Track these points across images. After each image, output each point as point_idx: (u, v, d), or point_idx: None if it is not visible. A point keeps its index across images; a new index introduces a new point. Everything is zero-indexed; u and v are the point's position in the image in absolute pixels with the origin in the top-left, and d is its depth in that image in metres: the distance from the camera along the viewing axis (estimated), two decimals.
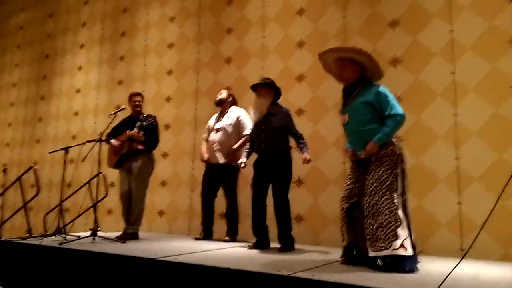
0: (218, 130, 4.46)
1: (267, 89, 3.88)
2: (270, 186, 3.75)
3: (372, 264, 2.64)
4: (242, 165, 3.82)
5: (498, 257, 3.33)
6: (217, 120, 4.55)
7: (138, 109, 4.63)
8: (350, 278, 2.30)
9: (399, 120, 2.79)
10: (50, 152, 5.36)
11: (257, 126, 3.85)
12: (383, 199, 2.64)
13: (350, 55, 2.98)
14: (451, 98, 3.79)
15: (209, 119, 4.72)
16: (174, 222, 5.46)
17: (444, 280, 2.32)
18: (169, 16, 6.08)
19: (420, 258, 2.74)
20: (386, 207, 2.63)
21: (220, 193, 4.45)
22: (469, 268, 2.79)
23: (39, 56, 7.82)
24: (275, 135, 3.72)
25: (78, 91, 7.02)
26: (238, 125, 4.42)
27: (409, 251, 2.55)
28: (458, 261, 2.29)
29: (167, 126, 5.76)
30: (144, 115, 4.57)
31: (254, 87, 3.95)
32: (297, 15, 4.86)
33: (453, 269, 2.25)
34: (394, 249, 2.53)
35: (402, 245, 2.54)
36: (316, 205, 4.34)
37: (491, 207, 3.32)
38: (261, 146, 3.78)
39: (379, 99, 2.83)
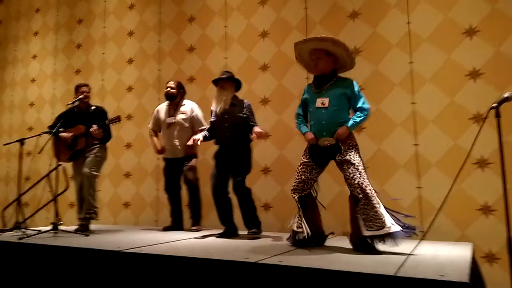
0: (171, 124, 4.42)
1: (229, 82, 3.90)
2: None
3: (356, 246, 2.84)
4: (199, 142, 3.74)
5: (456, 238, 3.53)
6: (169, 113, 4.49)
7: (87, 100, 4.48)
8: (319, 262, 2.38)
9: (367, 114, 3.04)
10: (4, 145, 5.14)
11: (219, 117, 3.85)
12: (366, 182, 2.80)
13: (327, 47, 3.05)
14: (409, 87, 3.94)
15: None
16: (141, 214, 5.38)
17: (405, 260, 2.43)
18: (127, 3, 5.90)
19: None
20: (370, 190, 2.79)
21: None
22: (429, 249, 2.93)
23: None
24: (237, 127, 3.76)
25: (33, 80, 6.71)
26: (192, 120, 4.43)
27: (397, 226, 2.74)
28: (418, 241, 2.40)
29: (129, 117, 5.64)
30: (93, 108, 4.49)
31: (216, 81, 3.94)
32: (260, 4, 4.86)
33: (413, 249, 2.36)
34: (388, 227, 2.70)
35: (391, 223, 2.74)
36: (282, 193, 4.41)
37: (448, 190, 3.52)
38: (224, 137, 3.79)
39: (353, 92, 3.05)
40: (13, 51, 7.05)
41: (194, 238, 3.71)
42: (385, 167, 3.94)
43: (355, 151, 2.95)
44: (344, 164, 2.89)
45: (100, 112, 4.47)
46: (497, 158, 3.45)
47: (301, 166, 3.09)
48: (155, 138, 4.56)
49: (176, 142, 4.37)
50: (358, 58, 4.17)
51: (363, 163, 2.94)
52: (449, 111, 3.74)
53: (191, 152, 4.33)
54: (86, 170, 4.27)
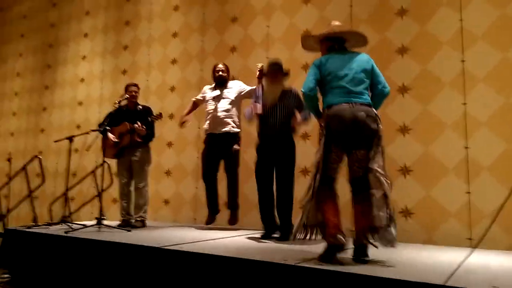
0: (218, 98, 4.39)
1: (281, 75, 3.83)
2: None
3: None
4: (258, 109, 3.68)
5: (506, 247, 3.30)
6: (216, 90, 4.48)
7: (135, 99, 4.62)
8: (359, 269, 2.28)
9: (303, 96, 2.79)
10: (55, 141, 5.36)
11: (269, 110, 3.75)
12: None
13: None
14: (460, 87, 3.74)
15: None
16: (179, 211, 5.45)
17: (455, 269, 2.29)
18: (173, 5, 6.02)
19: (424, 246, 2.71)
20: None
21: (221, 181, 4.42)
22: (479, 258, 2.76)
23: (43, 45, 7.77)
24: (286, 120, 3.67)
25: (82, 80, 6.99)
26: (240, 90, 4.43)
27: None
28: (468, 251, 2.26)
29: (171, 116, 5.73)
30: (140, 107, 4.64)
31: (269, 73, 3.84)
32: (303, 3, 4.79)
33: (464, 260, 2.22)
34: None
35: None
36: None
37: (500, 197, 3.30)
38: (271, 130, 3.70)
39: None
40: (64, 52, 7.38)
41: (231, 237, 3.69)
42: (433, 171, 3.75)
43: None
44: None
45: (146, 111, 4.61)
46: None
47: None
48: (186, 110, 4.61)
49: (223, 114, 4.32)
50: (405, 57, 4.04)
51: None
52: (503, 113, 3.52)
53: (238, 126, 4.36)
54: (138, 185, 4.48)
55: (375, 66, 2.79)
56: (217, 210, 4.40)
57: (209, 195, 4.37)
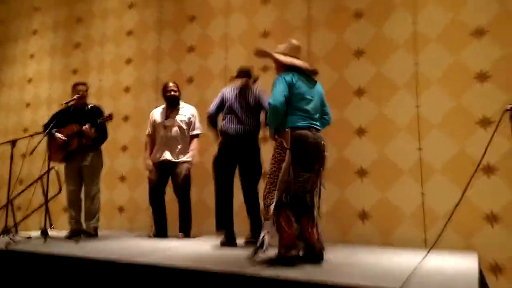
0: (169, 126, 4.21)
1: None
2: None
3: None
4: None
5: (461, 247, 3.38)
6: (167, 115, 4.27)
7: (83, 99, 4.34)
8: (315, 274, 2.24)
9: (269, 109, 2.76)
10: None
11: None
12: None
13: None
14: (413, 90, 3.79)
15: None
16: (135, 219, 5.24)
17: (412, 272, 2.29)
18: (127, 2, 5.79)
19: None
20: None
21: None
22: (434, 260, 2.79)
23: None
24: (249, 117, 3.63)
25: (29, 80, 6.60)
26: (189, 124, 4.25)
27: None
28: (424, 253, 2.26)
29: (126, 118, 5.51)
30: (89, 106, 4.38)
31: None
32: (262, 4, 4.73)
33: (419, 262, 2.22)
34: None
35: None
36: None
37: (453, 197, 3.36)
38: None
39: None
40: (12, 50, 6.95)
41: (186, 245, 3.57)
42: (387, 173, 3.79)
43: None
44: None
45: (96, 111, 4.33)
46: (504, 165, 3.34)
47: None
48: (146, 153, 4.33)
49: (177, 143, 4.18)
50: (361, 59, 4.06)
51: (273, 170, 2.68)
52: (455, 115, 3.60)
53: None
54: (89, 191, 4.22)
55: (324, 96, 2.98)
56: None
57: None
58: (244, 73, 3.80)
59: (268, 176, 2.70)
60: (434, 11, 3.79)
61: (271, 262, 2.53)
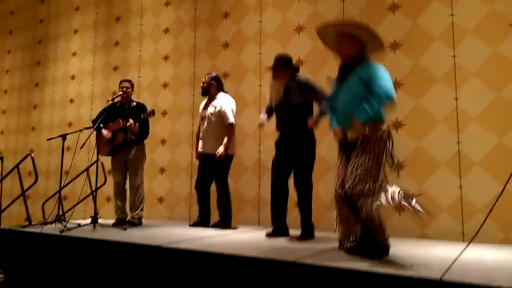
0: (203, 118, 4.36)
1: (282, 69, 3.67)
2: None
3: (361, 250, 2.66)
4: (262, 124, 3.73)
5: (499, 241, 3.36)
6: (204, 107, 4.43)
7: (127, 95, 4.57)
8: (357, 265, 2.31)
9: (380, 99, 2.57)
10: (47, 140, 5.31)
11: (277, 108, 3.69)
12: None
13: (349, 30, 2.86)
14: (451, 82, 3.77)
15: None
16: (174, 209, 5.45)
17: (451, 264, 2.32)
18: (164, 0, 5.97)
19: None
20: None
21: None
22: (473, 252, 2.80)
23: (32, 42, 7.67)
24: (296, 115, 3.55)
25: (73, 77, 6.92)
26: (220, 115, 4.24)
27: None
28: (463, 245, 2.29)
29: (164, 113, 5.71)
30: (134, 103, 4.60)
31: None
32: None
33: (460, 253, 2.25)
34: None
35: None
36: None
37: (492, 191, 3.36)
38: (281, 125, 3.65)
39: (368, 76, 2.67)
40: (54, 48, 7.29)
41: (232, 234, 3.70)
42: (425, 166, 3.79)
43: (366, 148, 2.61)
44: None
45: (140, 108, 4.57)
46: None
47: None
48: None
49: (203, 136, 4.30)
50: (397, 52, 4.06)
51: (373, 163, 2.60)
52: (495, 107, 3.56)
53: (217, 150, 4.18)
54: (134, 183, 4.43)
55: None
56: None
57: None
58: (284, 62, 3.69)
59: (363, 168, 2.58)
60: (471, 2, 3.75)
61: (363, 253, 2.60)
